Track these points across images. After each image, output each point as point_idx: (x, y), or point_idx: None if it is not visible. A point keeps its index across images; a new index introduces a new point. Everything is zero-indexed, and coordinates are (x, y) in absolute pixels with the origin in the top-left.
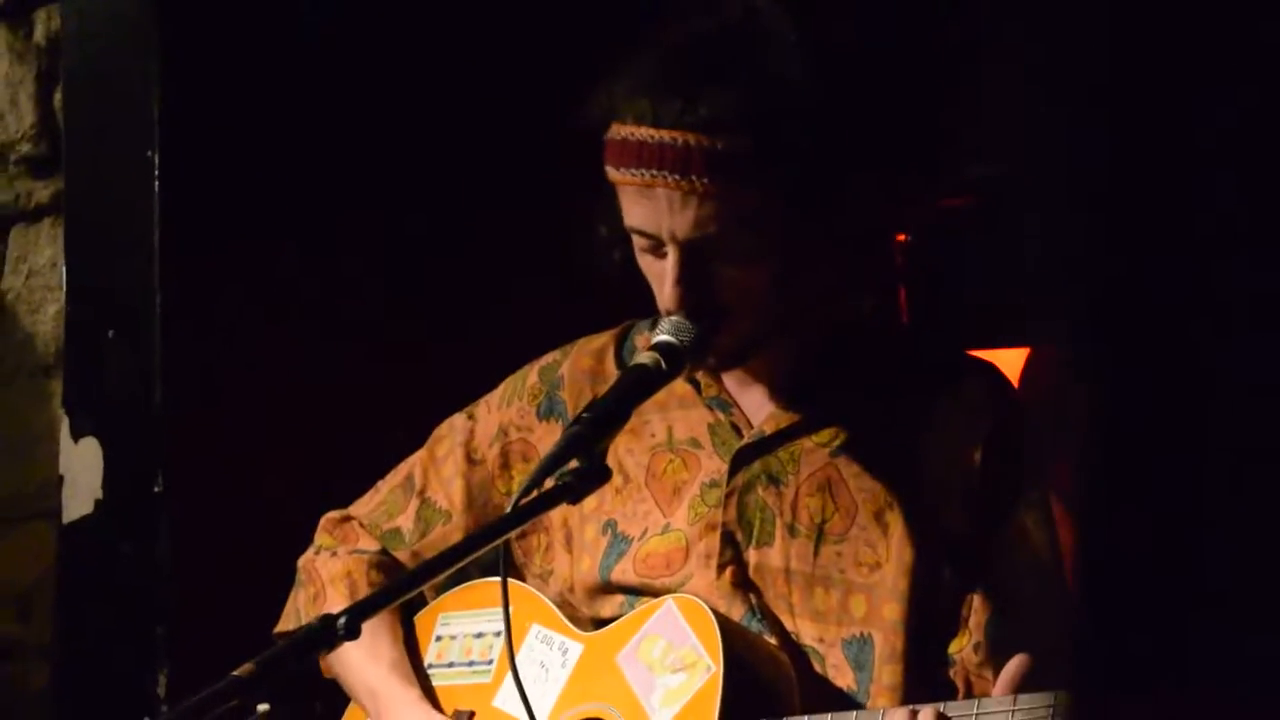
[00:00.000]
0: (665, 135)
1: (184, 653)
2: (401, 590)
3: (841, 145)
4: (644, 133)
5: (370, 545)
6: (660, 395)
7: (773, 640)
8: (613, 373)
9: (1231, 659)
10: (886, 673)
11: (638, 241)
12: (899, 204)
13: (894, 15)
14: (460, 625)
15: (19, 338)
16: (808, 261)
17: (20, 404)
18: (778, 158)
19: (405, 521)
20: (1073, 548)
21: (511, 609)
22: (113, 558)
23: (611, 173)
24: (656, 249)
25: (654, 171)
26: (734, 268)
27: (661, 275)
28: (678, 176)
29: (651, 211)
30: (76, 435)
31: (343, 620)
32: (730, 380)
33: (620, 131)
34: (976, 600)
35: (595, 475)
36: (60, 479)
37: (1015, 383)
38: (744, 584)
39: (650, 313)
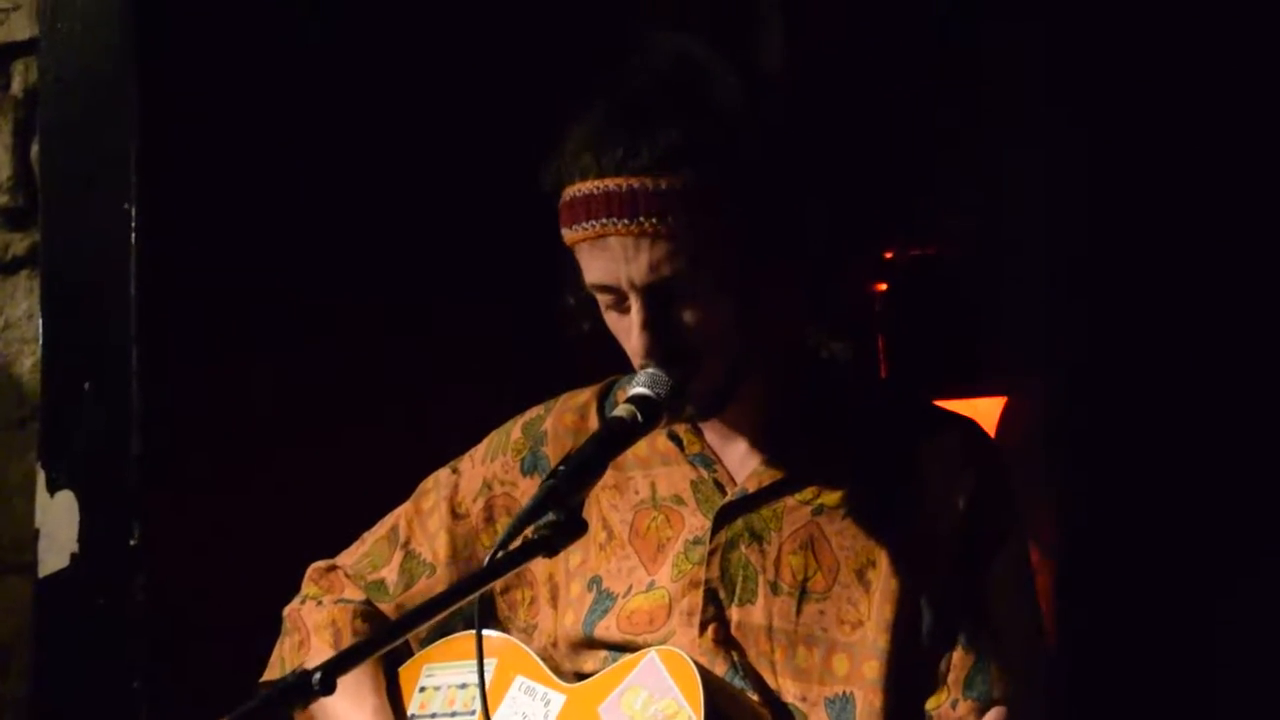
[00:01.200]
0: (610, 183)
1: (160, 707)
2: (380, 643)
3: (786, 175)
4: (590, 185)
5: (355, 595)
6: (643, 452)
7: (755, 698)
8: (595, 428)
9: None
10: None
11: (602, 300)
12: (854, 234)
13: (850, 48)
14: (444, 676)
15: None
16: (768, 295)
17: None
18: (723, 191)
19: (389, 573)
20: (1051, 596)
21: (496, 660)
22: (89, 611)
23: (566, 234)
24: (619, 303)
25: (604, 220)
26: (696, 308)
27: (629, 329)
28: (626, 221)
29: (608, 262)
30: (53, 489)
31: (318, 675)
32: (713, 437)
33: (569, 192)
34: (955, 656)
35: (571, 528)
36: (36, 533)
37: (993, 431)
38: (726, 641)
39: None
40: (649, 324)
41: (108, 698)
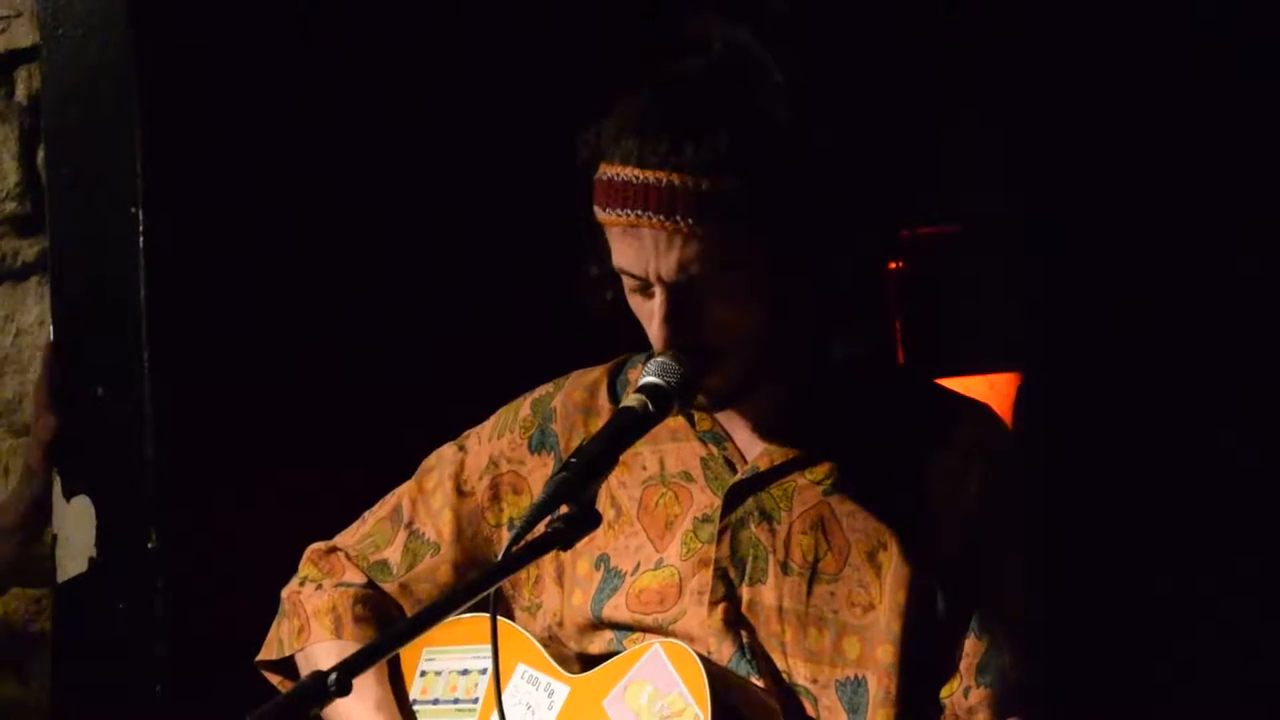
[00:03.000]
0: (651, 175)
1: (182, 709)
2: (393, 644)
3: (828, 183)
4: (630, 173)
5: (356, 578)
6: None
7: (762, 683)
8: (605, 406)
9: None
10: (880, 716)
11: (626, 281)
12: (886, 238)
13: (879, 50)
14: (445, 661)
15: (8, 397)
16: (796, 300)
17: (11, 464)
18: (764, 198)
19: (393, 553)
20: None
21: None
22: (108, 616)
23: (599, 213)
24: (645, 289)
25: (639, 212)
26: (722, 308)
27: (651, 315)
28: (663, 217)
29: (638, 252)
30: (69, 494)
31: (333, 677)
32: (724, 414)
33: (608, 171)
34: (968, 643)
35: (585, 521)
36: (54, 538)
37: (1009, 406)
38: (736, 621)
39: (645, 347)
40: (670, 318)
41: (129, 701)
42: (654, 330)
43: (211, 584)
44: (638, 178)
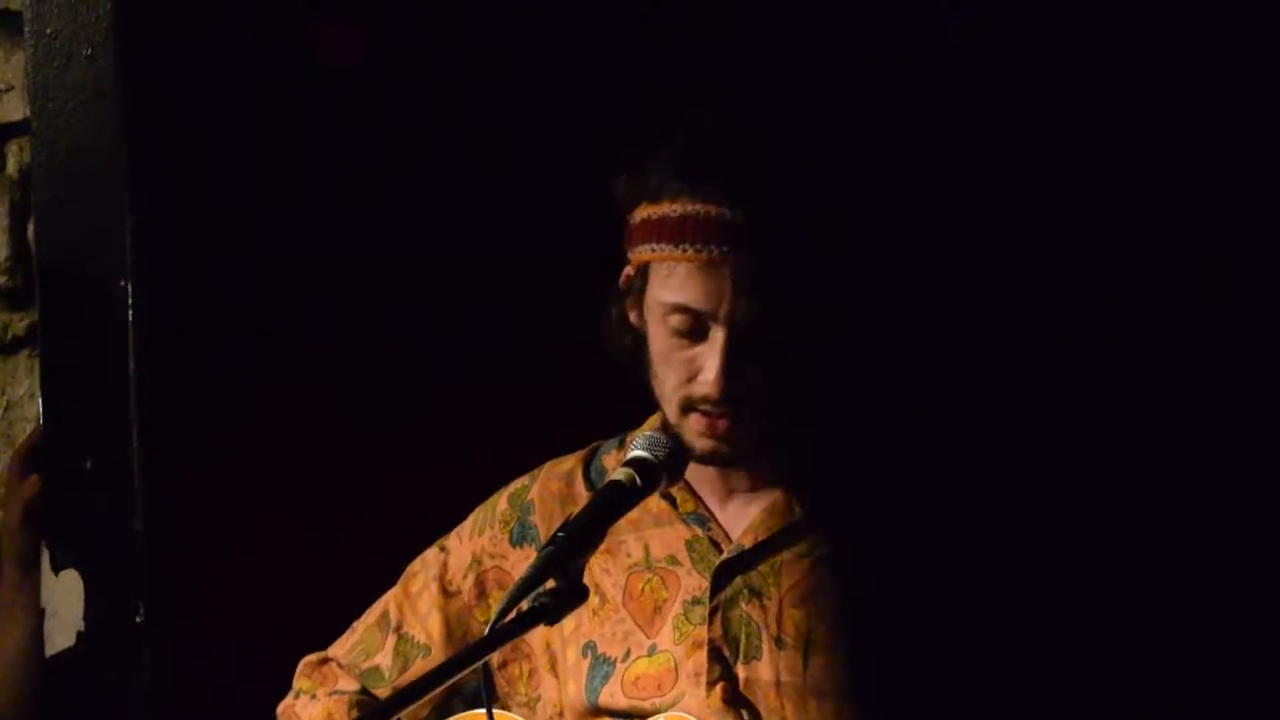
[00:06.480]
0: (724, 210)
1: None
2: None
3: (888, 224)
4: (704, 209)
5: (350, 685)
6: (635, 513)
7: None
8: (582, 494)
9: None
10: None
11: (673, 321)
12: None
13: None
14: None
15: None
16: (806, 360)
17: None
18: (834, 234)
19: (384, 659)
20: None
21: None
22: (97, 690)
23: (661, 249)
24: (695, 332)
25: (724, 248)
26: (758, 361)
27: (690, 360)
28: (735, 251)
29: (712, 287)
30: (57, 568)
31: None
32: (707, 493)
33: (673, 208)
34: (960, 691)
35: (572, 595)
36: (42, 612)
37: None
38: (736, 700)
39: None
40: (730, 359)
41: None
42: (708, 372)
43: (200, 659)
44: (711, 213)
